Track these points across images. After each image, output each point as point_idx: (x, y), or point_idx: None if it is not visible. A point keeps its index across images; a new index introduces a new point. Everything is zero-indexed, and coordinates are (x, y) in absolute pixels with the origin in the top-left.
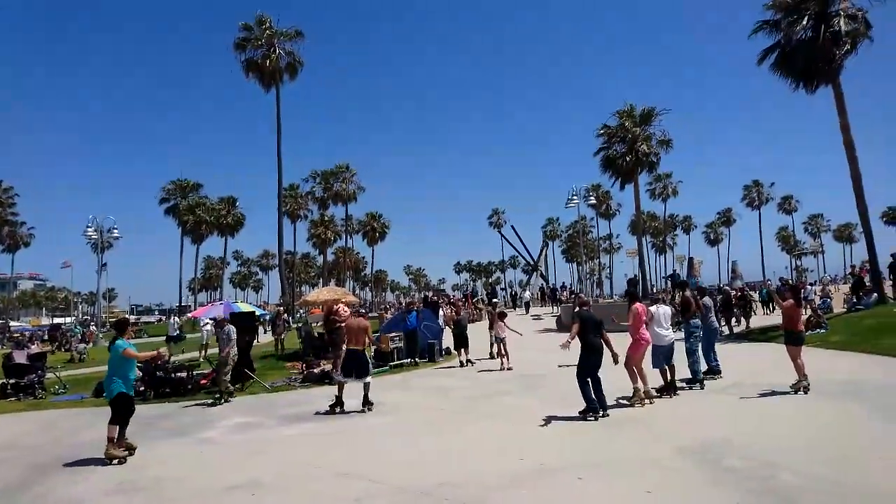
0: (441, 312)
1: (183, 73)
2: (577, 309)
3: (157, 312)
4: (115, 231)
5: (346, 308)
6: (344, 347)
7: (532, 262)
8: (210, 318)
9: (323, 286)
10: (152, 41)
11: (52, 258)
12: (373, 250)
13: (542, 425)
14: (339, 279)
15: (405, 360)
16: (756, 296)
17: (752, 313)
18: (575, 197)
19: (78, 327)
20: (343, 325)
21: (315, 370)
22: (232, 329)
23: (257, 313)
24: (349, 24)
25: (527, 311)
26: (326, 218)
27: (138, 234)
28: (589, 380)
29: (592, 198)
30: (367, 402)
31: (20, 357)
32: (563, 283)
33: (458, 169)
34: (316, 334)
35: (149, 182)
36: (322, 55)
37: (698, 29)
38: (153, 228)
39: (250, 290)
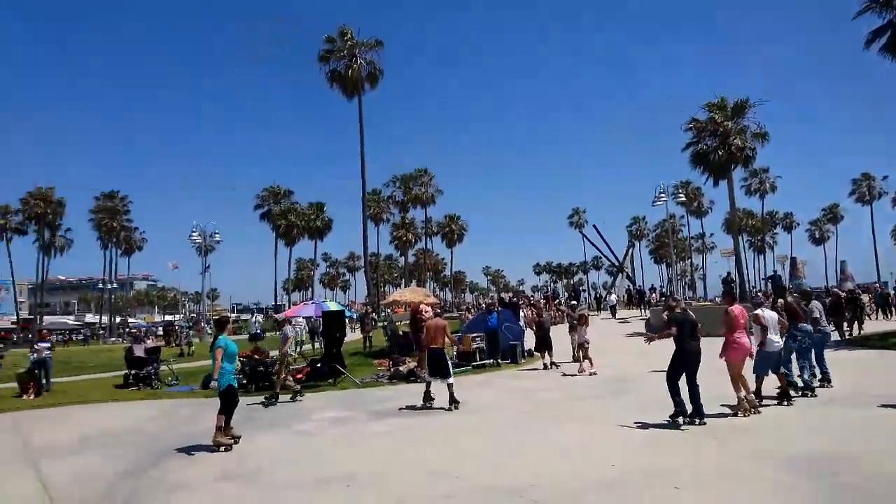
0: (521, 314)
1: (275, 85)
2: (668, 312)
3: (255, 311)
4: (217, 235)
5: (428, 308)
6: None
7: (617, 263)
8: (303, 317)
9: (405, 287)
10: (243, 52)
11: (162, 260)
12: (451, 252)
13: (632, 431)
14: (420, 280)
15: (487, 361)
16: (868, 299)
17: (866, 317)
18: (662, 194)
19: (187, 323)
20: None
21: (401, 368)
22: (289, 329)
23: (346, 313)
24: (424, 28)
25: (613, 315)
26: (407, 221)
27: (237, 238)
28: (680, 384)
29: (682, 195)
30: (453, 401)
31: (139, 350)
32: (652, 284)
33: (538, 168)
34: (401, 333)
35: (247, 188)
36: (400, 59)
37: (793, 13)
38: (250, 232)
39: (338, 289)
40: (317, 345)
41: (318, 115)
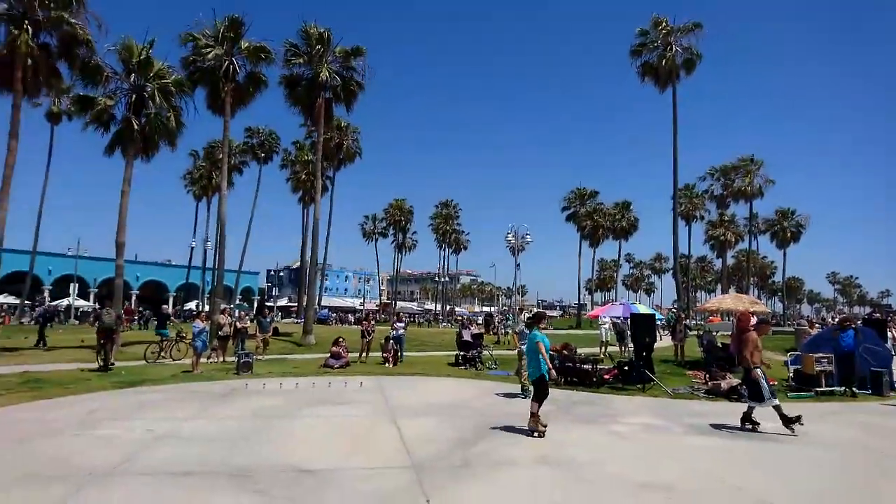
0: (890, 334)
1: (581, 88)
2: None
3: (558, 307)
4: (528, 236)
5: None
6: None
7: None
8: (609, 318)
9: (722, 292)
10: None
11: (482, 258)
12: (784, 253)
13: None
14: (741, 286)
15: (836, 388)
16: None
17: None
18: None
19: (507, 315)
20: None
21: (721, 383)
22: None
23: (657, 316)
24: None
25: None
26: (726, 218)
27: (545, 238)
28: None
29: None
30: (786, 422)
31: (466, 335)
32: None
33: None
34: (719, 344)
35: (554, 191)
36: (717, 42)
37: None
38: (556, 232)
39: (642, 292)
40: (629, 347)
41: (625, 111)
